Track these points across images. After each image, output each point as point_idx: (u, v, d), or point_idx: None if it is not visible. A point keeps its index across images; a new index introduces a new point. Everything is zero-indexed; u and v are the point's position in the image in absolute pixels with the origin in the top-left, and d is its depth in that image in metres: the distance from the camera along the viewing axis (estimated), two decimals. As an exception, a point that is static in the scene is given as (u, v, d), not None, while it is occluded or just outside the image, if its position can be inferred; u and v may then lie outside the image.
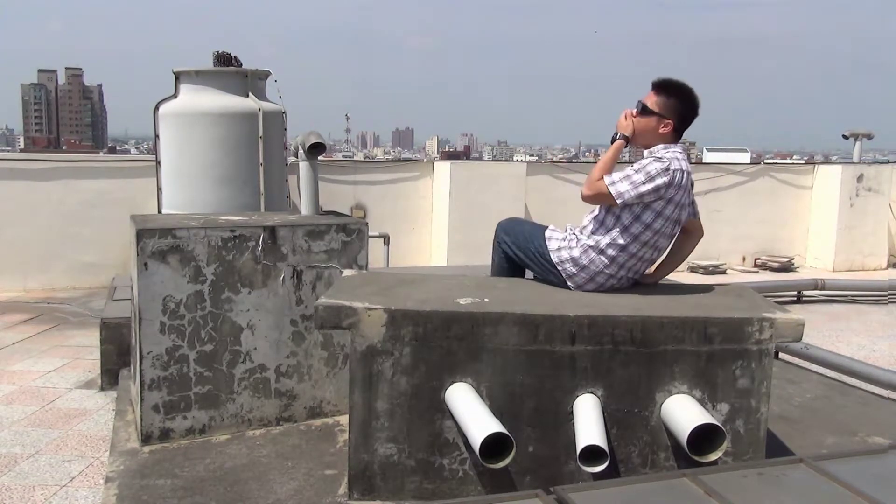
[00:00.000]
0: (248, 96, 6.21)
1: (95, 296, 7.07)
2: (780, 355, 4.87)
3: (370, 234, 3.82)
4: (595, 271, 3.05)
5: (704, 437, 2.57)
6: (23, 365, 5.00)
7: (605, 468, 2.51)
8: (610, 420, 2.72)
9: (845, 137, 11.18)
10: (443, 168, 8.98)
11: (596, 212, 3.11)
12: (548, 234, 3.21)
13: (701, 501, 2.03)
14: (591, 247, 3.04)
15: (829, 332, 6.49)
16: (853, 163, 10.65)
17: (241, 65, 6.35)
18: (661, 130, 3.07)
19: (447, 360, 2.71)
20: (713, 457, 2.59)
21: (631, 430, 2.75)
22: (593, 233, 3.06)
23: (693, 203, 3.18)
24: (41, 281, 7.52)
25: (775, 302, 3.29)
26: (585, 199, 3.05)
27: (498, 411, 2.66)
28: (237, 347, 3.46)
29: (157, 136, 6.39)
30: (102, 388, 4.47)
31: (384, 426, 2.74)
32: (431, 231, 9.01)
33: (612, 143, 3.16)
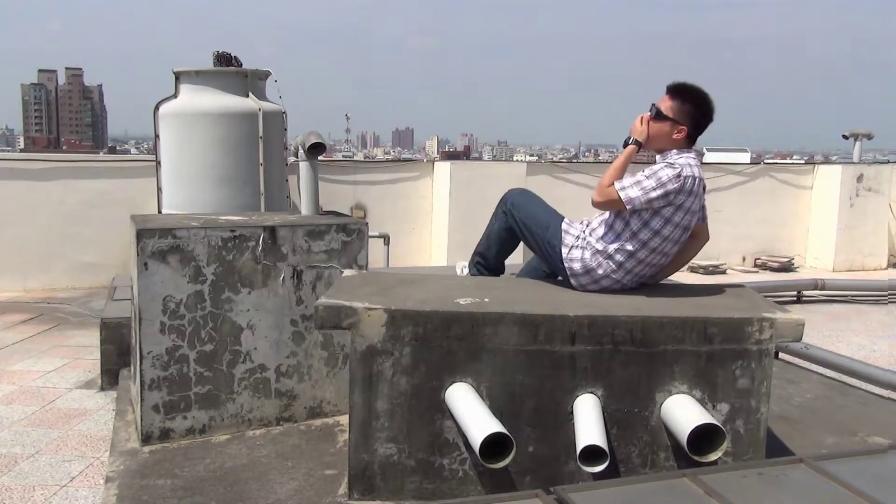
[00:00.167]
0: (248, 96, 6.21)
1: (95, 296, 7.08)
2: (780, 355, 4.87)
3: (370, 234, 3.82)
4: (601, 275, 3.03)
5: (704, 437, 2.57)
6: (23, 365, 5.00)
7: (605, 468, 2.51)
8: (610, 420, 2.72)
9: (845, 137, 11.19)
10: (443, 168, 8.98)
11: (606, 215, 3.08)
12: (564, 226, 3.16)
13: (701, 501, 2.03)
14: (599, 251, 3.02)
15: (829, 332, 6.49)
16: (853, 163, 10.66)
17: (241, 65, 6.35)
18: (674, 136, 3.03)
19: (447, 360, 2.71)
20: (713, 457, 2.59)
21: (631, 430, 2.75)
22: (602, 237, 3.03)
23: (703, 209, 3.14)
24: (41, 281, 7.52)
25: (775, 302, 3.29)
26: (596, 205, 3.01)
27: (498, 411, 2.66)
28: (237, 347, 3.46)
29: (157, 136, 6.39)
30: (102, 388, 4.47)
31: (384, 426, 2.74)
32: (431, 231, 9.01)
33: (625, 147, 3.11)
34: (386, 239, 7.56)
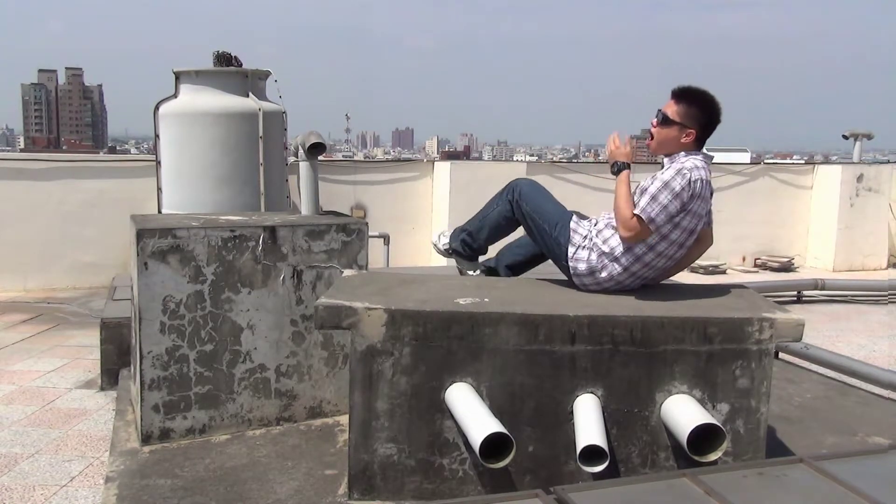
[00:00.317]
0: (248, 96, 6.22)
1: (95, 296, 7.08)
2: (780, 355, 4.87)
3: (370, 234, 3.82)
4: (605, 277, 3.02)
5: (704, 437, 2.57)
6: (23, 365, 5.00)
7: (605, 468, 2.51)
8: (610, 420, 2.72)
9: (845, 137, 11.19)
10: (443, 168, 8.97)
11: (612, 217, 3.05)
12: (572, 225, 3.12)
13: (701, 501, 2.03)
14: (605, 253, 3.00)
15: (829, 332, 6.49)
16: (853, 163, 10.66)
17: (241, 65, 6.36)
18: (683, 140, 3.00)
19: (447, 360, 2.71)
20: (713, 457, 2.59)
21: (631, 430, 2.75)
22: (609, 239, 3.01)
23: (709, 213, 3.12)
24: (41, 281, 7.52)
25: (775, 302, 3.29)
26: (627, 240, 2.93)
27: (498, 411, 2.66)
28: (237, 347, 3.46)
29: (157, 136, 6.39)
30: (102, 388, 4.48)
31: (384, 426, 2.74)
32: (431, 231, 9.01)
33: (616, 174, 3.01)
34: (386, 239, 7.56)
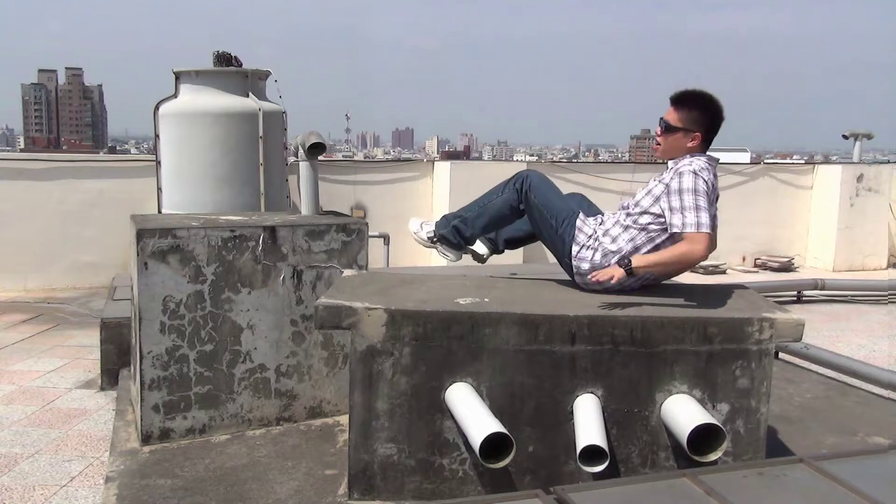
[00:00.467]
0: (248, 96, 6.21)
1: (95, 296, 7.08)
2: (780, 355, 4.87)
3: (370, 234, 3.82)
4: None
5: (704, 437, 2.57)
6: (23, 365, 5.00)
7: (605, 468, 2.51)
8: (610, 420, 2.72)
9: (845, 137, 11.19)
10: (443, 168, 8.97)
11: (620, 217, 3.04)
12: (578, 224, 3.10)
13: (701, 501, 2.03)
14: (612, 252, 2.99)
15: (829, 332, 6.49)
16: (853, 163, 10.66)
17: (241, 65, 6.36)
18: (689, 144, 2.99)
19: (447, 360, 2.71)
20: (713, 457, 2.59)
21: (631, 430, 2.75)
22: (616, 239, 3.00)
23: (714, 217, 3.12)
24: (41, 281, 7.52)
25: (775, 302, 3.29)
26: (706, 257, 2.90)
27: (498, 411, 2.66)
28: (237, 347, 3.46)
29: (157, 136, 6.39)
30: (102, 388, 4.48)
31: (384, 426, 2.74)
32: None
33: (631, 269, 2.86)
34: (386, 239, 7.56)
